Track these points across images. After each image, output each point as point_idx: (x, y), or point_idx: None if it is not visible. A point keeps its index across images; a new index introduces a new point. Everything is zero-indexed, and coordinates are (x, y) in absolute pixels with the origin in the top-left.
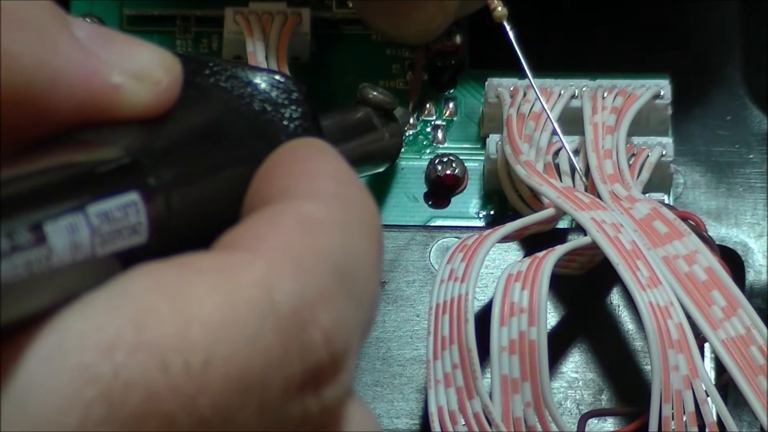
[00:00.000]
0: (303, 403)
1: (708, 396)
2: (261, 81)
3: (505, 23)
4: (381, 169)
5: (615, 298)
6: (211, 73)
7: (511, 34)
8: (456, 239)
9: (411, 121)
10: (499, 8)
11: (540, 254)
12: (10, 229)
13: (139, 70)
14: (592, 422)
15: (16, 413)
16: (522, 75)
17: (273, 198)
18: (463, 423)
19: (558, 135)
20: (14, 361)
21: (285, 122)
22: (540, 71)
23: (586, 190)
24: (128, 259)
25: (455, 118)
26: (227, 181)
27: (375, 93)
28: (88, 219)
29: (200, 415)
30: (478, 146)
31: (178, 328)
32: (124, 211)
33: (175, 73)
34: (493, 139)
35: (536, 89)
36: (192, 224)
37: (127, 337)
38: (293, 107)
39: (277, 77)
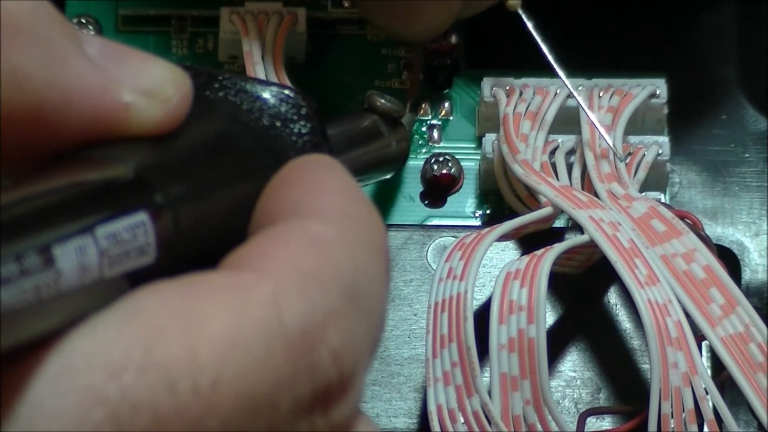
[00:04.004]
0: (312, 423)
1: (707, 393)
2: (270, 95)
3: (520, 11)
4: (388, 176)
5: (613, 296)
6: (220, 87)
7: (528, 23)
8: (453, 238)
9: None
10: None
11: (538, 252)
12: (18, 252)
13: (149, 88)
14: (591, 421)
15: None
16: (527, 69)
17: (281, 216)
18: (463, 421)
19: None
20: (22, 382)
21: (294, 138)
22: (536, 70)
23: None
24: (136, 278)
25: (451, 118)
26: (235, 197)
27: (383, 101)
28: (96, 241)
29: None
30: (474, 146)
31: (186, 348)
32: (132, 232)
33: (185, 89)
34: (489, 139)
35: (558, 72)
36: (200, 242)
37: (136, 358)
38: (302, 122)
39: (287, 92)
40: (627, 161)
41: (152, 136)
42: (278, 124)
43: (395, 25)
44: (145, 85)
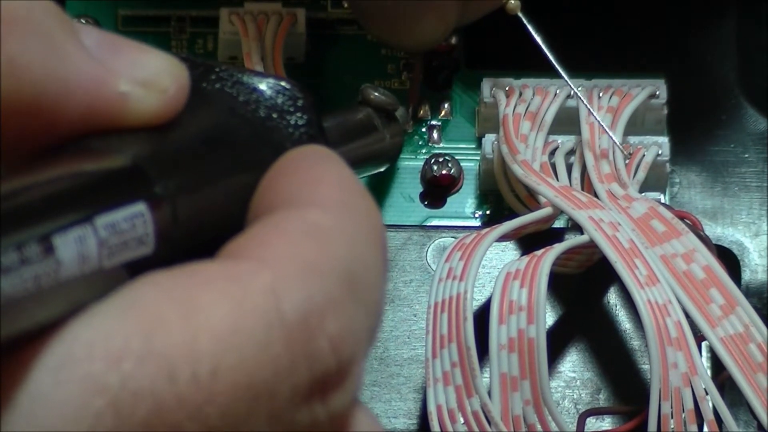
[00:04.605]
0: (311, 411)
1: (707, 393)
2: (267, 87)
3: (520, 14)
4: (382, 169)
5: (612, 297)
6: (217, 79)
7: (529, 25)
8: (453, 239)
9: (409, 121)
10: (512, 1)
11: (538, 252)
12: (19, 241)
13: (146, 78)
14: (591, 421)
15: (25, 424)
16: (526, 70)
17: (278, 205)
18: (462, 422)
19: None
20: (22, 371)
21: (290, 129)
22: (536, 71)
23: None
24: (135, 269)
25: (451, 118)
26: (233, 188)
27: (376, 94)
28: (95, 231)
29: (208, 424)
30: (474, 146)
31: (186, 337)
32: (131, 223)
33: (182, 80)
34: (488, 139)
35: (562, 73)
36: (198, 232)
37: (135, 347)
38: (299, 114)
39: (283, 83)
40: (627, 162)
41: (150, 127)
42: (275, 115)
43: (392, 39)
44: (142, 76)
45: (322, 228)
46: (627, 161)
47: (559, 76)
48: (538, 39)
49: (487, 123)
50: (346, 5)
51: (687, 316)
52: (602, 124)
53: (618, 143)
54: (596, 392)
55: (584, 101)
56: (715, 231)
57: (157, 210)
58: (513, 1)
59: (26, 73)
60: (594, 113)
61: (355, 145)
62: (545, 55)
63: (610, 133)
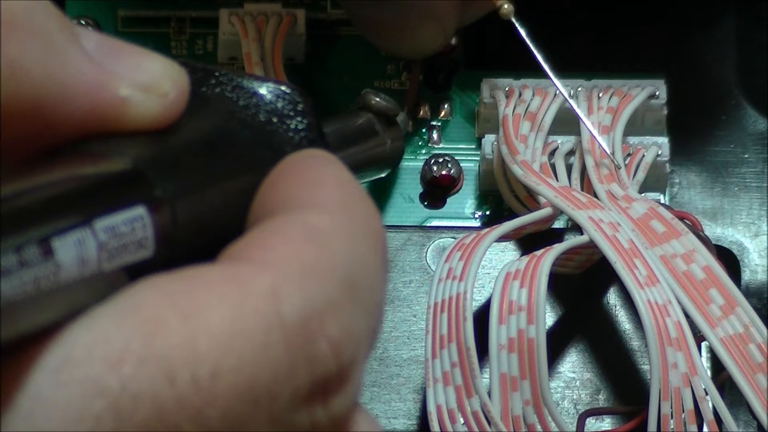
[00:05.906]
0: (311, 414)
1: (707, 394)
2: (267, 92)
3: (513, 19)
4: (383, 174)
5: (612, 297)
6: (216, 83)
7: (521, 30)
8: (452, 239)
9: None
10: (505, 6)
11: (538, 252)
12: (18, 243)
13: (146, 82)
14: (590, 421)
15: (24, 426)
16: (526, 71)
17: (278, 209)
18: (462, 422)
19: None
20: (22, 374)
21: (290, 134)
22: (535, 71)
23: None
24: (135, 272)
25: (450, 119)
26: (233, 192)
27: (377, 99)
28: (95, 234)
29: (208, 426)
30: (474, 147)
31: (185, 340)
32: (131, 226)
33: (182, 84)
34: (488, 140)
35: (552, 77)
36: (198, 236)
37: (135, 350)
38: (299, 118)
39: (283, 88)
40: (626, 162)
41: (150, 130)
42: (275, 120)
43: (391, 46)
44: (143, 80)
45: (322, 231)
46: (626, 162)
47: (558, 78)
48: (530, 44)
49: (486, 123)
50: None
51: (687, 316)
52: (593, 132)
53: (609, 153)
54: (596, 392)
55: (576, 109)
56: (714, 231)
57: (157, 213)
58: (506, 6)
59: (26, 76)
60: (586, 121)
61: (355, 150)
62: (537, 61)
63: (602, 143)
